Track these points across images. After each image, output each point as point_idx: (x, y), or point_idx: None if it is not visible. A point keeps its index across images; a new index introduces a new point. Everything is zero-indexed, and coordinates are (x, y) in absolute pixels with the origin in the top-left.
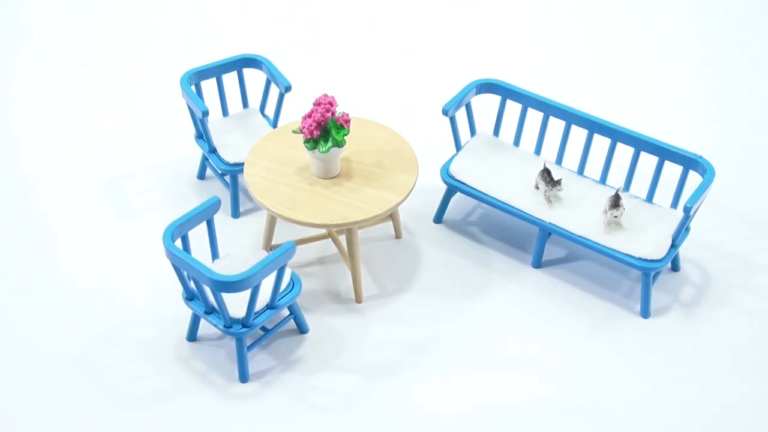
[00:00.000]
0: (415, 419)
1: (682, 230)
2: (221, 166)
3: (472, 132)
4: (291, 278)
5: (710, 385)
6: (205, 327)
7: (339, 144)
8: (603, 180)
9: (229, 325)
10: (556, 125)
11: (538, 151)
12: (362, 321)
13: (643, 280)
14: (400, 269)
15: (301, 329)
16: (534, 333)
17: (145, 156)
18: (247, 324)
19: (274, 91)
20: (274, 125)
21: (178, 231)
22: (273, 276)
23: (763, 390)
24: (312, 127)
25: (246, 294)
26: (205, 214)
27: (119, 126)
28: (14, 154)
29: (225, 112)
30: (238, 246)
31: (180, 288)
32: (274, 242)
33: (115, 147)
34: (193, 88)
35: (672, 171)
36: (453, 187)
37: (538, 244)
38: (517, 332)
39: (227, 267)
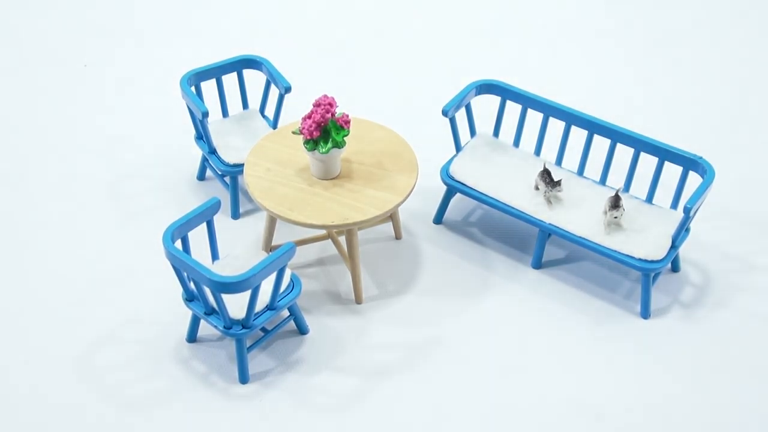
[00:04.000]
0: (414, 419)
1: (682, 231)
2: (221, 167)
3: (472, 133)
4: (291, 279)
5: (710, 385)
6: (205, 328)
7: (339, 145)
8: (603, 181)
9: (229, 326)
10: (556, 126)
11: (537, 151)
12: (362, 322)
13: (643, 281)
14: (400, 270)
15: (301, 330)
16: (534, 333)
17: (145, 156)
18: (247, 325)
19: (274, 92)
20: (274, 126)
21: (178, 232)
22: (273, 277)
23: (763, 390)
24: (312, 128)
25: (246, 295)
26: (205, 215)
27: (119, 126)
28: (14, 154)
29: (225, 113)
30: (238, 247)
31: (180, 289)
32: (274, 243)
33: (115, 147)
34: (192, 89)
35: (672, 172)
36: (453, 187)
37: (538, 245)
38: (516, 333)
39: (227, 268)
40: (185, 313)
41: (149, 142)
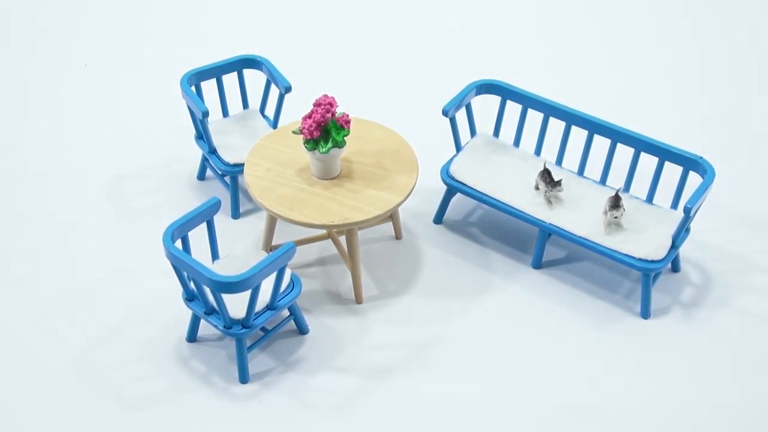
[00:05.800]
0: (414, 419)
1: (682, 231)
2: (221, 166)
3: (472, 132)
4: (291, 279)
5: (710, 385)
6: (205, 328)
7: (339, 145)
8: (603, 181)
9: (229, 325)
10: (556, 126)
11: (538, 151)
12: (362, 322)
13: (643, 281)
14: (401, 270)
15: (302, 330)
16: (534, 334)
17: (145, 156)
18: (247, 325)
19: (274, 91)
20: (274, 126)
21: (179, 231)
22: (273, 277)
23: (763, 390)
24: (312, 128)
25: (246, 295)
26: (205, 215)
27: (119, 126)
28: (14, 155)
29: (225, 113)
30: (238, 247)
31: (180, 288)
32: (274, 243)
33: (115, 147)
34: (193, 88)
35: (672, 172)
36: (453, 187)
37: (538, 245)
38: (516, 333)
39: (227, 268)
40: (185, 313)
41: (149, 141)
